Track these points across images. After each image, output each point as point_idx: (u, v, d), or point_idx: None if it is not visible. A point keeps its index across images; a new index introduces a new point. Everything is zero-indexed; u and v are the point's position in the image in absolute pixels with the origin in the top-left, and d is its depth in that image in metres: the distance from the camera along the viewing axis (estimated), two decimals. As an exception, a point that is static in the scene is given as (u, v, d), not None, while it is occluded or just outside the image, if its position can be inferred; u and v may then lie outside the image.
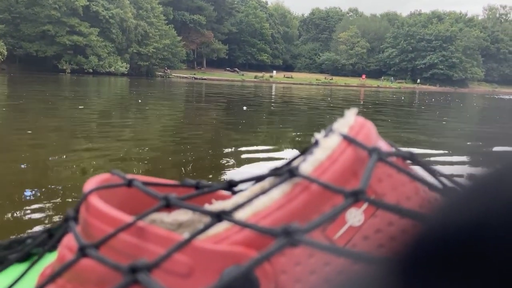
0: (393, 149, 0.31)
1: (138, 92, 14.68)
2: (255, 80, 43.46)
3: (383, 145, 0.31)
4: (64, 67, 31.73)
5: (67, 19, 30.85)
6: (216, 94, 16.75)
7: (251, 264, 0.21)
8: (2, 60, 27.76)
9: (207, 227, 0.25)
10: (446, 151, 5.13)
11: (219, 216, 0.25)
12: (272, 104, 12.84)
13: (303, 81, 45.77)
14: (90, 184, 0.30)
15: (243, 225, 0.25)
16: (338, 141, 0.29)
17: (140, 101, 10.75)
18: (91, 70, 32.27)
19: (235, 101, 12.92)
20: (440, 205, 0.11)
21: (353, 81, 50.80)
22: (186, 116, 8.26)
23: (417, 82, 54.14)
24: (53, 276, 0.26)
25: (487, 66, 58.82)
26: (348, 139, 0.29)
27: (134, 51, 35.89)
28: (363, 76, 53.19)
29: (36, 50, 30.89)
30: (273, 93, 19.97)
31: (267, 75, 47.41)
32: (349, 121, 0.31)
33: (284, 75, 50.19)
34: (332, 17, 64.13)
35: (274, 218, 0.26)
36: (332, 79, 50.84)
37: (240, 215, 0.27)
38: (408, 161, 0.30)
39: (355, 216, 0.28)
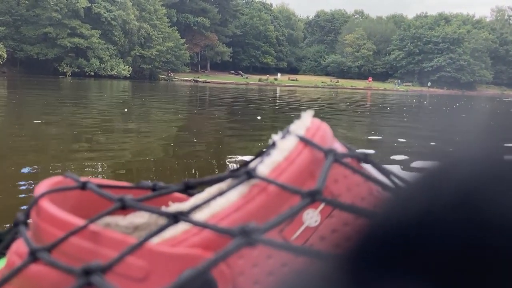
0: (348, 151, 0.31)
1: (136, 97, 14.04)
2: (260, 83, 42.86)
3: (339, 147, 0.31)
4: (65, 70, 31.16)
5: (68, 21, 30.32)
6: (220, 99, 16.08)
7: (207, 264, 0.21)
8: (1, 63, 27.26)
9: (162, 228, 0.25)
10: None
11: (175, 217, 0.25)
12: (276, 108, 12.18)
13: (309, 84, 45.12)
14: (42, 187, 0.29)
15: (200, 225, 0.25)
16: (295, 143, 0.29)
17: (131, 108, 10.08)
18: (92, 73, 31.66)
19: (239, 107, 12.25)
20: (385, 203, 0.11)
21: (360, 83, 50.09)
22: (187, 125, 7.58)
23: (428, 85, 53.30)
24: (1, 283, 0.25)
25: (496, 69, 57.80)
26: (305, 141, 0.29)
27: (137, 54, 35.30)
28: (370, 79, 52.50)
29: (37, 52, 30.35)
30: (277, 97, 19.30)
31: (271, 78, 46.80)
32: (306, 122, 0.31)
33: (289, 78, 49.58)
34: (338, 19, 63.49)
35: (232, 220, 0.26)
36: (338, 81, 50.21)
37: (198, 216, 0.27)
38: (363, 162, 0.30)
39: (311, 216, 0.28)
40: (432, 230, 0.10)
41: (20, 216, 0.29)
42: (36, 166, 3.50)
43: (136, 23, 34.75)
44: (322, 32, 63.91)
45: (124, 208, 0.27)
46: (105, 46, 32.55)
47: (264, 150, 0.31)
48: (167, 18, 39.30)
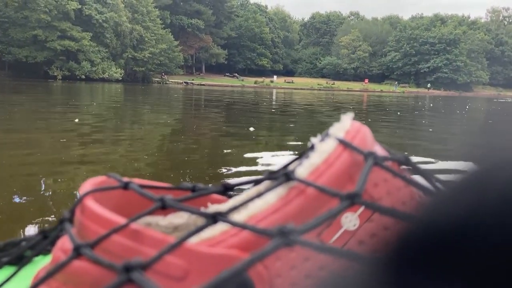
0: (388, 154, 0.30)
1: (125, 102, 13.34)
2: (255, 85, 42.31)
3: (379, 150, 0.31)
4: (55, 74, 30.42)
5: (58, 23, 29.57)
6: (214, 102, 15.41)
7: (244, 264, 0.21)
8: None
9: (201, 228, 0.25)
10: None
11: (214, 218, 0.25)
12: (273, 110, 11.54)
13: (305, 86, 44.61)
14: (86, 186, 0.30)
15: (239, 225, 0.25)
16: (334, 146, 0.29)
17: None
18: (83, 77, 30.89)
19: (236, 110, 11.58)
20: (427, 206, 0.11)
21: (356, 85, 49.67)
22: (181, 131, 6.91)
23: (427, 86, 53.06)
24: (46, 277, 0.26)
25: (492, 70, 57.58)
26: (344, 144, 0.29)
27: (129, 56, 34.61)
28: (366, 81, 52.08)
29: (25, 55, 29.54)
30: (273, 99, 18.67)
31: (267, 80, 46.26)
32: (345, 125, 0.31)
33: (285, 80, 49.06)
34: (333, 21, 63.08)
35: (270, 221, 0.26)
36: (334, 83, 49.73)
37: (236, 218, 0.27)
38: (404, 166, 0.30)
39: (350, 220, 0.28)
40: (477, 235, 0.09)
41: (65, 213, 0.30)
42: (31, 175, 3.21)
43: (129, 25, 34.08)
44: (317, 34, 63.46)
45: (164, 208, 0.28)
46: (97, 48, 31.84)
47: (303, 152, 0.31)
48: (160, 20, 38.64)
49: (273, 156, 4.56)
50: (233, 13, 51.36)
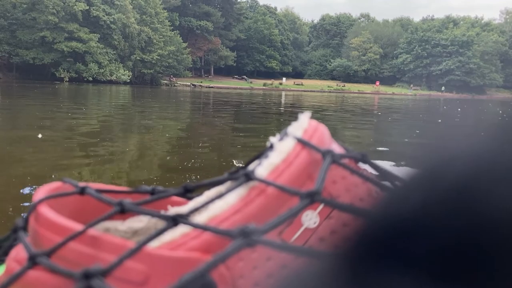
0: (346, 151, 0.31)
1: (126, 106, 12.89)
2: (264, 87, 41.80)
3: (337, 148, 0.31)
4: (62, 75, 30.17)
5: (66, 25, 29.35)
6: (221, 105, 14.91)
7: (206, 267, 0.21)
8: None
9: (161, 231, 0.25)
10: None
11: (174, 220, 0.25)
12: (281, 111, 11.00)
13: (315, 88, 44.00)
14: (40, 193, 0.29)
15: (200, 227, 0.25)
16: (292, 145, 0.29)
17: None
18: (90, 79, 30.66)
19: (245, 114, 11.06)
20: (382, 202, 0.11)
21: (367, 88, 48.96)
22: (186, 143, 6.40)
23: (442, 89, 52.19)
24: None
25: (506, 72, 56.40)
26: (303, 142, 0.29)
27: (138, 58, 34.28)
28: (377, 83, 51.34)
29: (33, 57, 29.32)
30: (283, 102, 18.12)
31: (276, 82, 45.73)
32: (303, 124, 0.31)
33: (294, 82, 48.49)
34: (343, 23, 62.42)
35: (231, 222, 0.26)
36: (344, 85, 49.10)
37: (197, 220, 0.26)
38: (361, 163, 0.30)
39: (310, 218, 0.28)
40: (428, 228, 0.10)
41: (19, 222, 0.29)
42: (32, 176, 3.12)
43: (137, 26, 33.78)
44: (327, 36, 62.84)
45: (123, 212, 0.27)
46: (104, 50, 31.59)
47: (262, 152, 0.31)
48: (169, 22, 38.31)
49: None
50: (242, 15, 50.94)
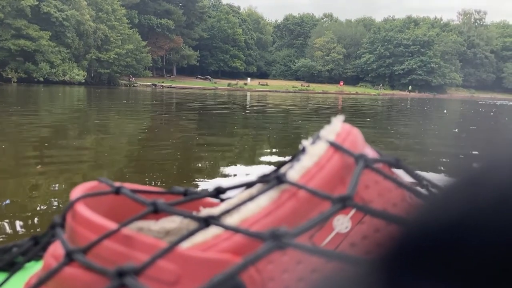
0: (379, 156, 0.30)
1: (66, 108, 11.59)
2: (229, 88, 40.81)
3: (370, 152, 0.31)
4: (10, 76, 28.03)
5: (12, 21, 27.25)
6: (182, 106, 13.81)
7: (236, 268, 0.21)
8: None
9: (193, 232, 0.25)
10: None
11: (206, 221, 0.25)
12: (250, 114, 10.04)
13: (279, 89, 43.41)
14: (77, 191, 0.30)
15: (231, 229, 0.25)
16: (325, 148, 0.29)
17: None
18: (41, 79, 28.63)
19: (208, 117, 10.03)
20: (420, 208, 0.11)
21: (331, 88, 48.92)
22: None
23: (409, 89, 52.83)
24: (38, 284, 0.26)
25: (464, 71, 57.81)
26: (335, 146, 0.29)
27: (93, 57, 32.42)
28: (341, 83, 51.41)
29: (-25, 56, 27.14)
30: (247, 103, 17.19)
31: (241, 82, 44.81)
32: (336, 128, 0.31)
33: (259, 83, 47.73)
34: (307, 23, 62.25)
35: (262, 225, 0.26)
36: (309, 86, 48.80)
37: (228, 222, 0.27)
38: (394, 168, 0.30)
39: (342, 222, 0.28)
40: (470, 236, 0.09)
41: (56, 219, 0.30)
42: None
43: (92, 24, 31.94)
44: (291, 36, 62.51)
45: (156, 212, 0.27)
46: (57, 49, 29.63)
47: (294, 155, 0.31)
48: (127, 19, 36.61)
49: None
50: (205, 14, 49.68)
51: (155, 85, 36.36)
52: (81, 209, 0.27)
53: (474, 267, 0.09)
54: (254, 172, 3.59)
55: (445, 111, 17.12)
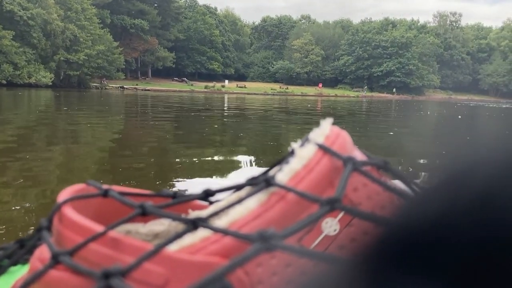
0: (367, 159, 0.30)
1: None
2: (206, 90, 39.62)
3: (358, 155, 0.31)
4: (-32, 78, 26.18)
5: (-30, 19, 25.47)
6: (155, 109, 12.63)
7: (224, 270, 0.21)
8: None
9: (181, 234, 0.25)
10: None
11: (194, 223, 0.25)
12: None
13: (258, 91, 42.42)
14: (64, 194, 0.30)
15: (219, 231, 0.25)
16: (313, 151, 0.29)
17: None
18: (4, 82, 26.76)
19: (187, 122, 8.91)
20: (403, 210, 0.11)
21: (310, 90, 48.21)
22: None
23: (393, 91, 52.70)
24: (24, 287, 0.26)
25: (442, 73, 58.08)
26: (324, 149, 0.29)
27: (62, 58, 30.65)
28: (320, 85, 50.83)
29: None
30: (225, 106, 16.09)
31: (218, 85, 43.64)
32: (325, 130, 0.31)
33: (237, 85, 46.66)
34: (285, 24, 61.59)
35: (251, 227, 0.26)
36: (287, 88, 48.05)
37: (217, 224, 0.26)
38: (383, 170, 0.30)
39: (330, 225, 0.28)
40: (451, 236, 0.10)
41: (43, 222, 0.29)
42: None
43: (60, 23, 30.19)
44: (269, 38, 61.73)
45: (144, 214, 0.27)
46: (21, 49, 27.79)
47: (283, 158, 0.31)
48: (98, 19, 34.94)
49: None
50: (181, 14, 48.33)
51: (123, 87, 34.75)
52: (68, 211, 0.27)
53: (453, 265, 0.09)
54: (233, 177, 3.56)
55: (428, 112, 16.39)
